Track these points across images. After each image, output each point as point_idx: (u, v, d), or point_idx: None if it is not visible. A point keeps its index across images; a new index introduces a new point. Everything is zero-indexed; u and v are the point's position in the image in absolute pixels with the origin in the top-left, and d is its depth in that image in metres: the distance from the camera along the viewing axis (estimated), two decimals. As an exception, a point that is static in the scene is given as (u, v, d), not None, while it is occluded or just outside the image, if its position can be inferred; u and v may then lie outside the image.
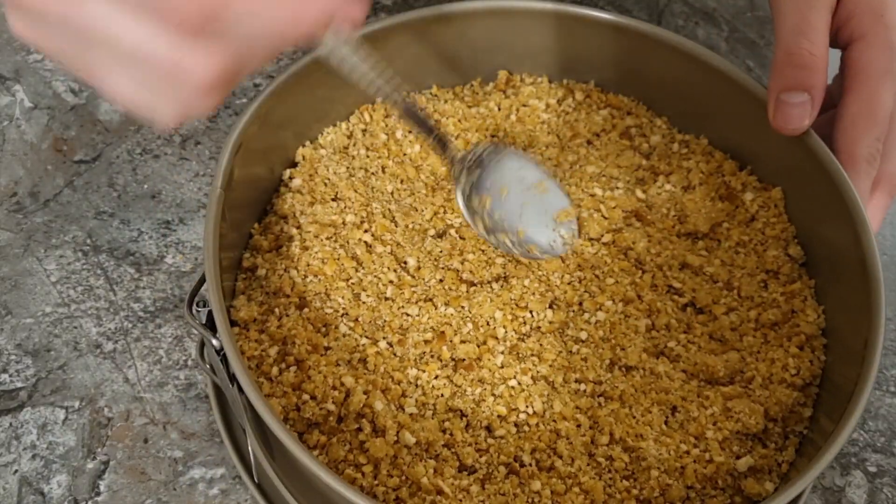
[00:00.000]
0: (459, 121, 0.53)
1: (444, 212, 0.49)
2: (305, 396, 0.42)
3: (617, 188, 0.51)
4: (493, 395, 0.43)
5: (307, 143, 0.52)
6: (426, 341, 0.45)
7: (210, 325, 0.41)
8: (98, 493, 0.46)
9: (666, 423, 0.43)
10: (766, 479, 0.42)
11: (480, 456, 0.42)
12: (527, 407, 0.43)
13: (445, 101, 0.54)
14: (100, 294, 0.53)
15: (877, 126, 0.45)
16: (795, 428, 0.44)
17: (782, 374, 0.44)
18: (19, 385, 0.50)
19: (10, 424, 0.48)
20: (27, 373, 0.50)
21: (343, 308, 0.45)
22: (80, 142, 0.60)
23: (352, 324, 0.45)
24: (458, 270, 0.47)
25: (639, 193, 0.50)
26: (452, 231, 0.48)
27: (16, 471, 0.47)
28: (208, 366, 0.45)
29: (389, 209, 0.49)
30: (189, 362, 0.51)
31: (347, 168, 0.50)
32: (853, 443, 0.50)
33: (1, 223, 0.56)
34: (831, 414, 0.42)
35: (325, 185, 0.50)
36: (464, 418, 0.43)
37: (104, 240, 0.56)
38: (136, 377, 0.50)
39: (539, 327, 0.46)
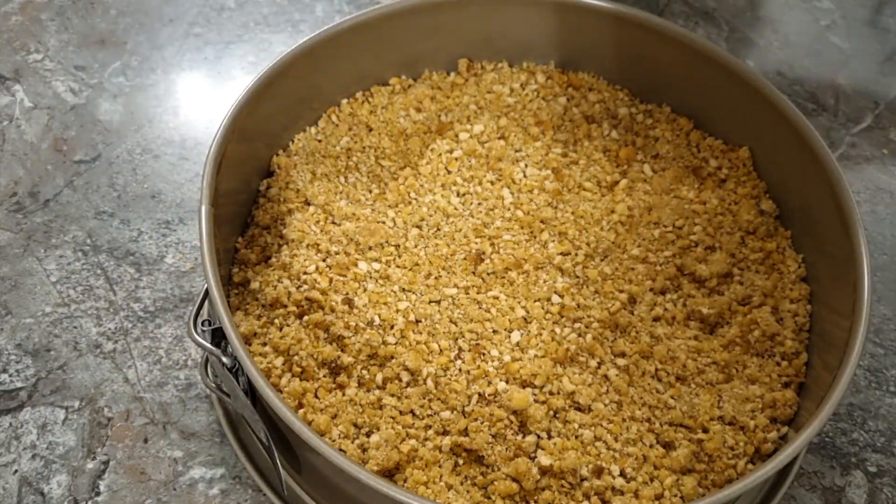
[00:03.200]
0: (433, 99, 0.54)
1: (425, 207, 0.50)
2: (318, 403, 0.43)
3: (595, 177, 0.52)
4: (506, 381, 0.44)
5: (280, 151, 0.52)
6: (431, 334, 0.45)
7: (215, 343, 0.41)
8: (98, 493, 0.46)
9: (679, 380, 0.45)
10: (772, 429, 0.44)
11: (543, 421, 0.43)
12: (544, 384, 0.44)
13: (408, 88, 0.55)
14: (100, 294, 0.53)
15: None
16: (794, 376, 0.46)
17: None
18: (19, 385, 0.50)
19: (10, 424, 0.48)
20: (27, 373, 0.50)
21: (342, 311, 0.45)
22: (80, 142, 0.60)
23: (353, 325, 0.45)
24: (439, 257, 0.48)
25: (622, 183, 0.52)
26: (432, 222, 0.49)
27: (16, 471, 0.47)
28: (214, 384, 0.45)
29: (372, 208, 0.49)
30: (189, 362, 0.51)
31: (316, 173, 0.51)
32: (853, 443, 0.50)
33: (1, 223, 0.56)
34: (824, 357, 0.44)
35: (297, 192, 0.50)
36: (489, 401, 0.44)
37: (104, 240, 0.56)
38: (136, 377, 0.50)
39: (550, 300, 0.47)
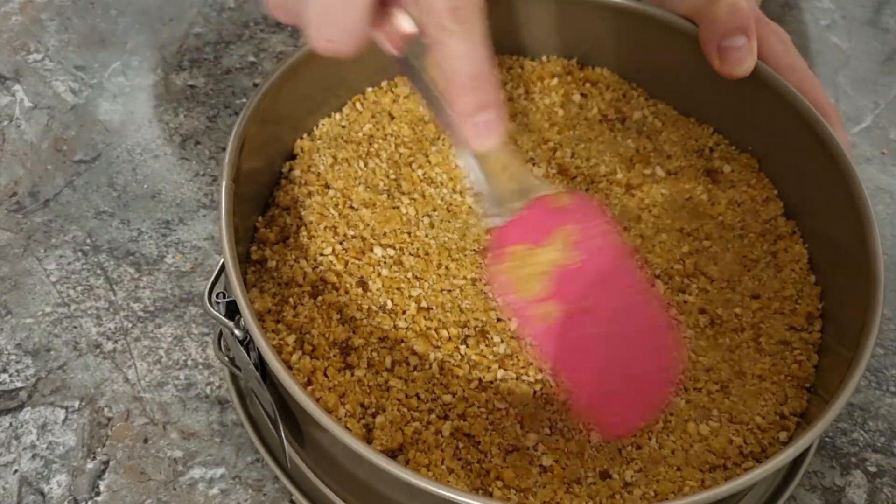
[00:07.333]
0: None
1: (439, 199, 0.50)
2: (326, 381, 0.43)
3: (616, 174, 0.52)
4: (504, 368, 0.44)
5: (304, 135, 0.52)
6: (441, 321, 0.45)
7: (228, 316, 0.42)
8: (98, 493, 0.46)
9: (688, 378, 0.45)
10: (780, 429, 0.44)
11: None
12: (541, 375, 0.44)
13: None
14: (99, 294, 0.53)
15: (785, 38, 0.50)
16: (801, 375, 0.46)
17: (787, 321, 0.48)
18: (19, 385, 0.50)
19: (10, 424, 0.48)
20: (27, 373, 0.50)
21: (355, 293, 0.46)
22: (80, 141, 0.60)
23: (366, 308, 0.46)
24: (449, 249, 0.48)
25: (636, 184, 0.52)
26: (443, 213, 0.49)
27: (16, 471, 0.47)
28: (226, 357, 0.45)
29: (388, 194, 0.50)
30: (189, 362, 0.51)
31: (337, 158, 0.51)
32: (853, 443, 0.50)
33: (1, 223, 0.56)
34: (835, 354, 0.44)
35: (317, 175, 0.50)
36: (486, 388, 0.44)
37: (104, 239, 0.56)
38: (135, 377, 0.50)
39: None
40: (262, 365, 0.41)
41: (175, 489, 0.47)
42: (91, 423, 0.49)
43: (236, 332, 0.41)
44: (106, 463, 0.47)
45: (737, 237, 0.50)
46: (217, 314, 0.42)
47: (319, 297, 0.46)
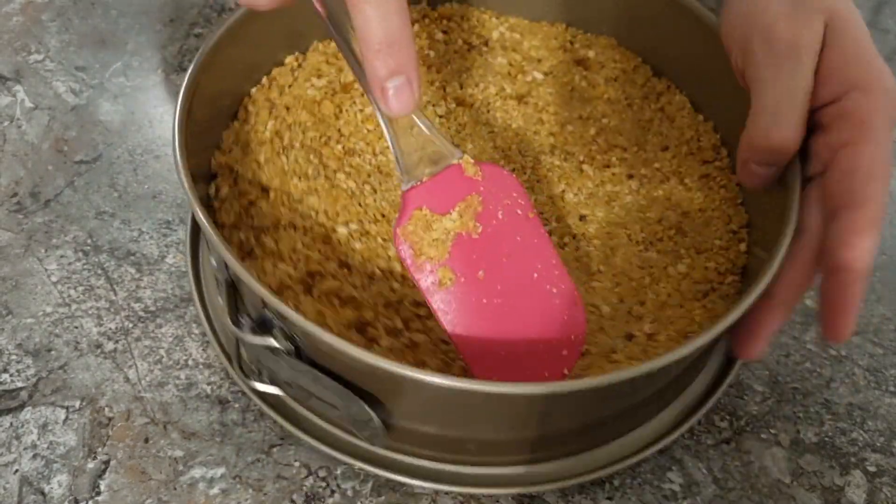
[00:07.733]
0: (328, 63, 0.56)
1: (367, 164, 0.51)
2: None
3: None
4: None
5: (215, 152, 0.52)
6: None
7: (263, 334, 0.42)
8: (98, 493, 0.46)
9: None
10: (738, 242, 0.50)
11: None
12: None
13: (303, 62, 0.57)
14: (100, 294, 0.53)
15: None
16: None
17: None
18: (20, 385, 0.50)
19: (11, 424, 0.48)
20: (28, 373, 0.50)
21: (342, 275, 0.47)
22: (81, 142, 0.60)
23: (358, 284, 0.46)
24: (396, 206, 0.49)
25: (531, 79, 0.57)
26: (380, 176, 0.51)
27: (16, 470, 0.47)
28: (258, 381, 0.46)
29: (324, 177, 0.50)
30: (189, 362, 0.51)
31: (259, 161, 0.51)
32: (853, 442, 0.50)
33: (1, 223, 0.56)
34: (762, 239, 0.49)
35: (249, 183, 0.50)
36: None
37: (105, 240, 0.56)
38: (136, 377, 0.50)
39: None
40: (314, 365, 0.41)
41: (175, 489, 0.47)
42: (92, 423, 0.49)
43: (277, 344, 0.41)
44: (106, 463, 0.47)
45: (626, 107, 0.55)
46: (257, 340, 0.41)
47: (314, 290, 0.46)
